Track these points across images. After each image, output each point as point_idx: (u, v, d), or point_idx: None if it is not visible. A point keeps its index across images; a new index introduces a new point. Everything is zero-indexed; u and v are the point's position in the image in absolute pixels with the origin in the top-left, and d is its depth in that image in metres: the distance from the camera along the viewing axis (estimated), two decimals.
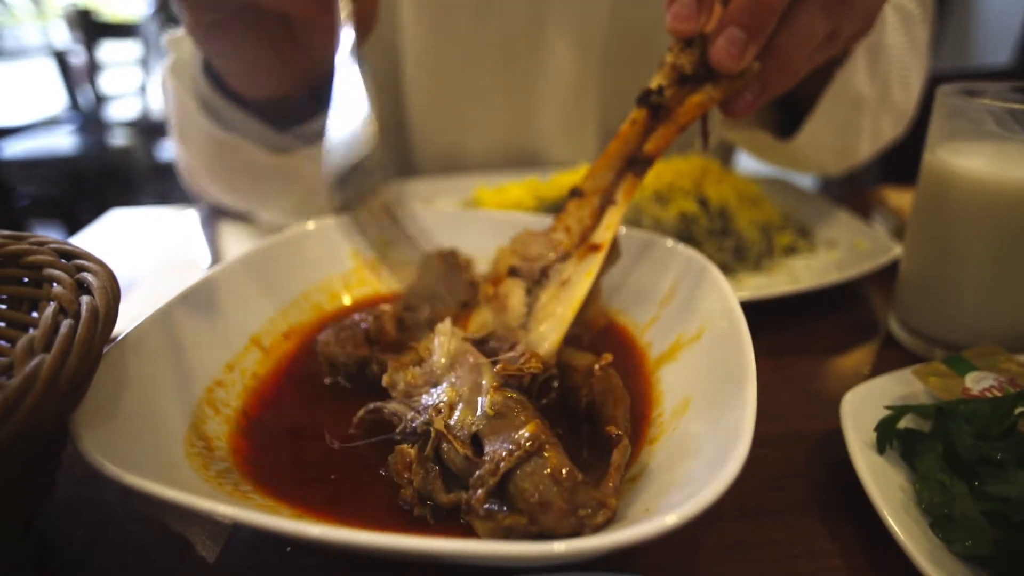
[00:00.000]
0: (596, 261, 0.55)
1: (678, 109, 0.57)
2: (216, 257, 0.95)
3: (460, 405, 0.42)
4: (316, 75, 0.69)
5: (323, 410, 0.51)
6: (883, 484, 0.46)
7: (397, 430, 0.45)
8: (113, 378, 0.42)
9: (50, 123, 3.88)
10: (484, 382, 0.44)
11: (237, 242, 1.00)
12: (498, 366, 0.47)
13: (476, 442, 0.40)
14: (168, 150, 3.65)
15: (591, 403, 0.47)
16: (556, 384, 0.50)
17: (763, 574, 0.44)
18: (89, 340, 0.38)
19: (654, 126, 0.57)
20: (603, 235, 0.57)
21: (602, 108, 1.09)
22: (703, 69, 0.57)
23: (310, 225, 0.66)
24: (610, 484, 0.37)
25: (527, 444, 0.37)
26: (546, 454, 0.37)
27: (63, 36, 3.78)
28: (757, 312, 0.74)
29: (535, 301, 0.56)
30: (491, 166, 1.13)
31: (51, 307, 0.40)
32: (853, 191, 1.33)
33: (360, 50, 0.52)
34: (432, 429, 0.41)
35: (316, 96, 0.74)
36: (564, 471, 0.36)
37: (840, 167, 0.97)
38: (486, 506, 0.36)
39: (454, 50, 0.99)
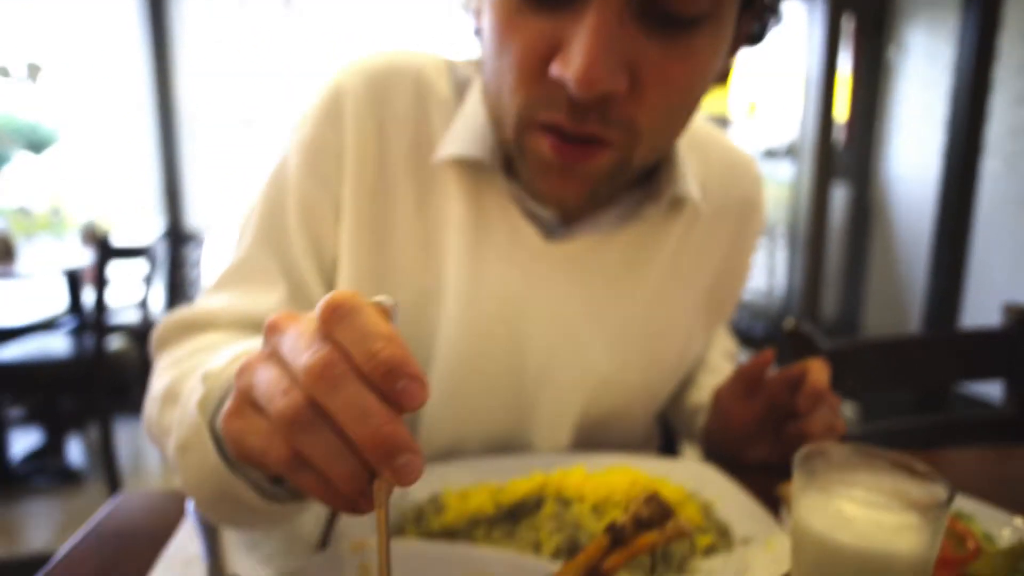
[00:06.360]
0: None
1: (633, 542, 0.78)
2: (214, 554, 1.01)
3: None
4: None
5: None
6: None
7: None
8: None
9: (47, 326, 4.07)
10: None
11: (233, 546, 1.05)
12: None
13: None
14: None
15: None
16: None
17: None
18: None
19: (613, 550, 0.78)
20: None
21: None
22: (655, 521, 0.79)
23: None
24: None
25: None
26: None
27: (75, 252, 4.08)
28: None
29: None
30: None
31: None
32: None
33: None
34: None
35: None
36: None
37: None
38: None
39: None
